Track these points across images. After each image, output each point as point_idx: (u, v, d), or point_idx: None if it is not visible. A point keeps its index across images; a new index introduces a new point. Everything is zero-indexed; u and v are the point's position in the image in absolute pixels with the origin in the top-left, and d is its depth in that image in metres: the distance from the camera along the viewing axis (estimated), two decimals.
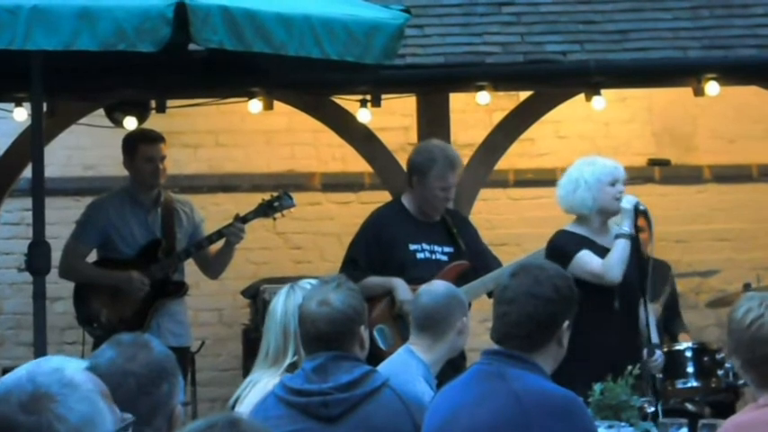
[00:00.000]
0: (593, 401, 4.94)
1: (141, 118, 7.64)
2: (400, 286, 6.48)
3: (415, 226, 6.65)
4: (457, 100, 7.60)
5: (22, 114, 7.36)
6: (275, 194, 7.21)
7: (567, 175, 6.29)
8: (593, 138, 9.05)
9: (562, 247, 6.17)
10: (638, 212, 6.19)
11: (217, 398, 8.51)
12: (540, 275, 3.85)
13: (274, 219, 7.23)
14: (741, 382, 6.25)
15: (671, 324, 7.83)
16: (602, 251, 6.16)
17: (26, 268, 6.44)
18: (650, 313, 6.30)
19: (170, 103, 7.50)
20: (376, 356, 5.36)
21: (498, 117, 7.71)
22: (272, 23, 5.84)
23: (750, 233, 9.11)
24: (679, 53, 7.33)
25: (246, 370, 6.21)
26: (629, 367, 5.11)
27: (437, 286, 5.43)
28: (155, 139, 7.18)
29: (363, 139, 7.51)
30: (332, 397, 4.07)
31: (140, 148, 7.14)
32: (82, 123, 7.70)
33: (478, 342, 5.17)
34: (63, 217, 8.09)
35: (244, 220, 7.10)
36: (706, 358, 7.13)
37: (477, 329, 6.13)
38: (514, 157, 8.45)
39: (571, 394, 3.79)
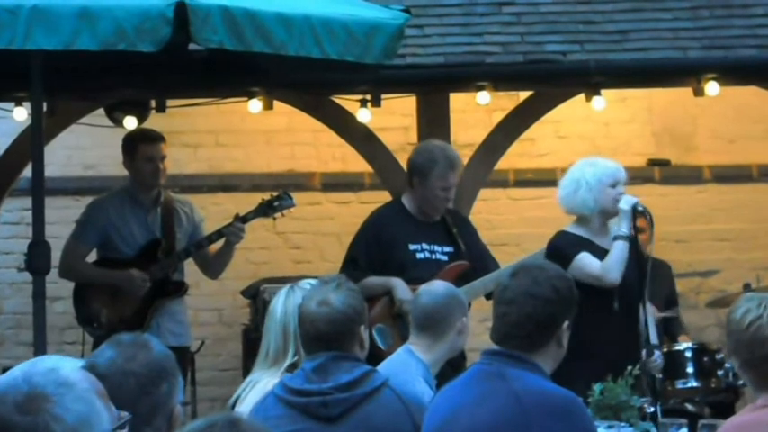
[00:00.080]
0: (593, 401, 4.94)
1: (141, 118, 7.64)
2: (400, 286, 6.48)
3: (415, 226, 6.65)
4: (457, 100, 7.60)
5: (22, 114, 7.36)
6: (275, 194, 7.21)
7: (568, 176, 6.29)
8: (593, 138, 9.06)
9: (562, 249, 6.17)
10: (637, 213, 6.20)
11: (217, 398, 8.51)
12: (539, 276, 3.86)
13: (274, 219, 7.23)
14: (741, 382, 6.23)
15: (670, 325, 7.82)
16: (601, 252, 6.16)
17: (26, 268, 6.44)
18: (650, 313, 6.30)
19: (170, 102, 7.50)
20: (375, 356, 5.36)
21: (498, 117, 7.71)
22: (272, 23, 5.84)
23: (750, 233, 9.11)
24: (679, 53, 7.33)
25: (246, 370, 6.21)
26: (629, 367, 5.11)
27: (437, 286, 5.43)
28: (155, 138, 7.18)
29: (363, 139, 7.51)
30: (332, 397, 4.07)
31: (140, 147, 7.14)
32: (82, 123, 7.70)
33: (478, 342, 5.17)
34: (63, 217, 8.09)
35: (244, 219, 7.10)
36: (706, 358, 7.12)
37: (477, 329, 6.14)
38: (514, 157, 8.45)
39: (571, 394, 3.79)
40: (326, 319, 4.13)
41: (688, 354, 7.15)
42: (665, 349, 6.90)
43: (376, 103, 7.35)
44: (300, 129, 8.86)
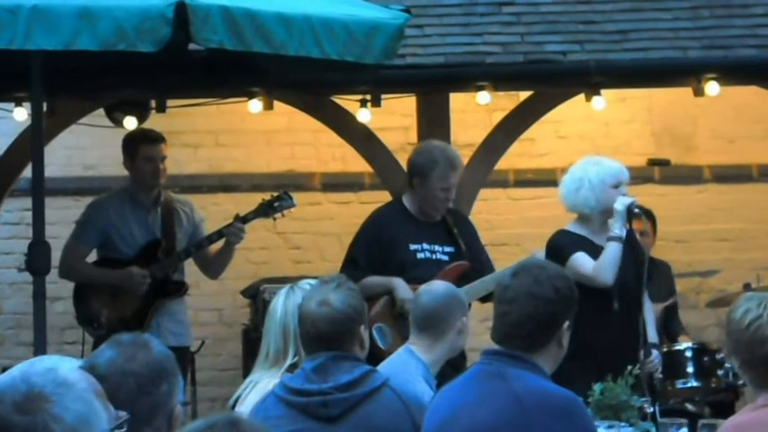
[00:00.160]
0: (593, 401, 4.94)
1: (141, 118, 7.64)
2: (401, 286, 6.47)
3: (416, 226, 6.65)
4: (457, 100, 7.60)
5: (22, 114, 7.36)
6: (275, 194, 7.21)
7: (570, 174, 6.29)
8: (593, 138, 9.05)
9: (560, 248, 6.18)
10: (634, 215, 6.21)
11: (217, 398, 8.51)
12: (540, 275, 3.86)
13: (274, 219, 7.23)
14: (741, 382, 6.24)
15: (670, 325, 7.83)
16: (601, 251, 6.16)
17: (26, 268, 6.44)
18: (649, 312, 6.31)
19: (170, 102, 7.50)
20: (375, 356, 5.36)
21: (498, 117, 7.71)
22: (272, 23, 5.84)
23: (750, 233, 9.11)
24: (679, 53, 7.33)
25: (246, 370, 6.21)
26: (629, 367, 5.11)
27: (437, 286, 5.43)
28: (155, 139, 7.18)
29: (363, 139, 7.51)
30: (332, 397, 4.07)
31: (141, 148, 7.14)
32: (82, 123, 7.70)
33: (478, 342, 5.17)
34: (63, 217, 8.09)
35: (244, 220, 7.10)
36: (706, 358, 7.13)
37: (477, 329, 6.14)
38: (514, 157, 8.45)
39: (571, 394, 3.79)
40: (327, 319, 4.13)
41: (688, 354, 7.16)
42: (664, 349, 6.91)
43: (376, 103, 7.35)
44: (300, 129, 8.86)
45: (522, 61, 7.26)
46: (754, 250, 8.93)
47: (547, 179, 8.48)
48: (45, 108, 6.79)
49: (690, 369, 7.11)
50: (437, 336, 5.19)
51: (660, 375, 6.51)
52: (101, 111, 7.72)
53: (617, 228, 6.12)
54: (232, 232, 7.08)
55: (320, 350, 4.14)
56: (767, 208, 9.02)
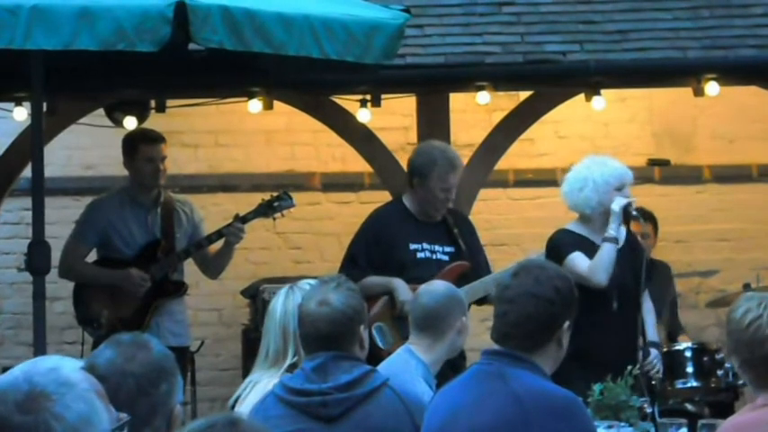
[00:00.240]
0: (593, 401, 4.94)
1: (141, 118, 7.64)
2: (401, 287, 6.47)
3: (416, 226, 6.65)
4: (457, 100, 7.60)
5: (22, 114, 7.36)
6: (275, 194, 7.21)
7: (575, 172, 6.28)
8: (593, 138, 9.05)
9: (558, 247, 6.19)
10: (631, 216, 6.21)
11: (216, 398, 8.51)
12: (540, 276, 3.85)
13: (274, 219, 7.23)
14: (741, 382, 6.24)
15: (669, 325, 7.83)
16: None
17: (26, 268, 6.44)
18: (649, 312, 6.31)
19: (170, 102, 7.50)
20: (375, 356, 5.36)
21: (498, 117, 7.71)
22: (272, 23, 5.84)
23: (750, 233, 9.11)
24: (679, 53, 7.33)
25: (246, 370, 6.21)
26: (629, 367, 5.11)
27: (436, 286, 5.43)
28: (155, 139, 7.18)
29: (363, 139, 7.51)
30: (331, 397, 4.07)
31: (141, 148, 7.14)
32: (82, 123, 7.70)
33: (478, 342, 5.17)
34: (63, 217, 8.10)
35: (243, 220, 7.10)
36: (706, 358, 7.12)
37: (477, 329, 6.13)
38: (514, 157, 8.44)
39: (571, 394, 3.79)
40: (326, 318, 4.13)
41: (688, 354, 7.15)
42: (664, 349, 6.91)
43: (376, 103, 7.35)
44: (300, 129, 8.86)
45: (522, 61, 7.26)
46: (753, 250, 8.93)
47: (547, 179, 8.49)
48: (45, 108, 6.78)
49: (689, 369, 7.11)
50: (437, 336, 5.19)
51: (660, 376, 6.50)
52: (101, 111, 7.72)
53: (612, 228, 6.12)
54: (232, 232, 7.08)
55: (320, 350, 4.14)
56: (767, 208, 9.02)
